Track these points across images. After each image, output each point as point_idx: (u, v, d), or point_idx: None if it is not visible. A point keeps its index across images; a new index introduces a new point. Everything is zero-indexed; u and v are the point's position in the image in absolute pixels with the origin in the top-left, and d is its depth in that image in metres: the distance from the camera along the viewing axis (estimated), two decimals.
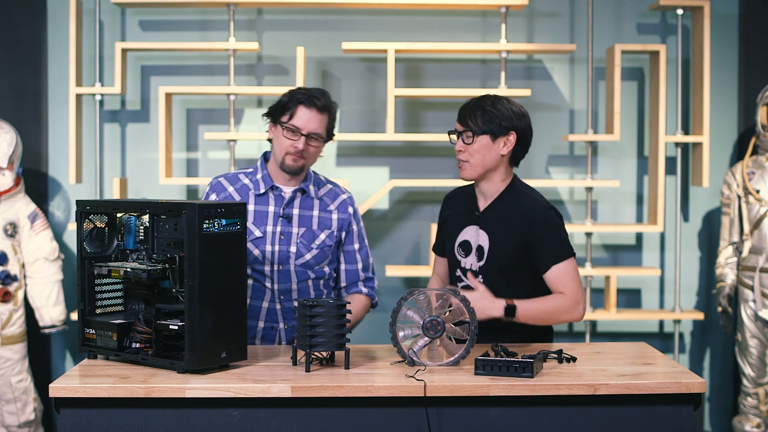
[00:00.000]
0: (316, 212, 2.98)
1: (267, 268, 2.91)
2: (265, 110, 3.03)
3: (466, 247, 2.93)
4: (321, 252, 2.97)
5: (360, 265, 3.07)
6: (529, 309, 2.77)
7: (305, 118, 2.88)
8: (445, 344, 2.55)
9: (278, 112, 2.90)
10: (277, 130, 2.91)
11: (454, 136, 2.90)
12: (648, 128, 4.77)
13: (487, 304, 2.73)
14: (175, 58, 4.74)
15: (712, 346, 4.89)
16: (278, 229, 2.93)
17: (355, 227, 3.06)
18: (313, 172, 3.04)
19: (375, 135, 4.55)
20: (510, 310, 2.74)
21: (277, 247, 2.91)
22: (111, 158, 4.73)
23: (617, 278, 4.67)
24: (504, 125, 2.83)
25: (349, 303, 2.57)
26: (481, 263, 2.88)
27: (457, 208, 3.02)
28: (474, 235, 2.91)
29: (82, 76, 4.55)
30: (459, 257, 2.95)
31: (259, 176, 2.97)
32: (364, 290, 3.08)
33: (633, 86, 4.82)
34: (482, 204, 2.93)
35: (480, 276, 2.88)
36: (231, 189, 2.98)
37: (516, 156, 2.90)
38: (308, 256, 2.95)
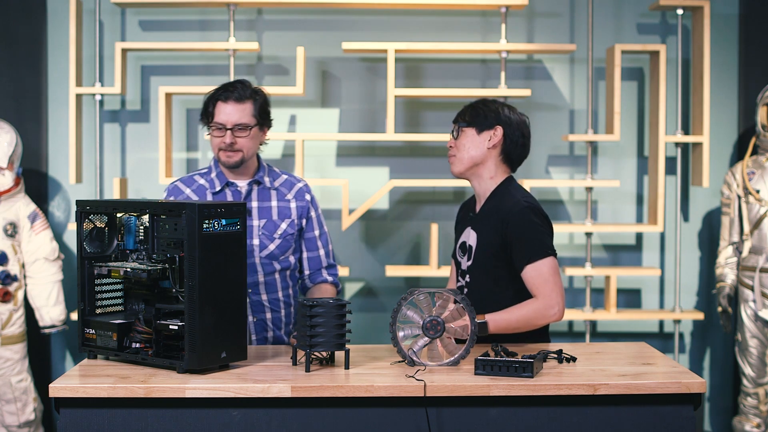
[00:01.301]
0: (274, 203, 3.01)
1: None
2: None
3: (463, 247, 2.97)
4: (284, 241, 2.99)
5: (322, 252, 3.11)
6: (501, 321, 2.74)
7: (225, 112, 2.90)
8: (445, 344, 2.55)
9: (204, 116, 2.95)
10: (210, 131, 2.95)
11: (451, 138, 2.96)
12: (648, 128, 4.77)
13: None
14: (175, 58, 4.74)
15: (712, 346, 4.89)
16: None
17: (313, 213, 3.09)
18: (267, 164, 3.07)
19: (375, 135, 4.55)
20: (482, 327, 2.72)
21: None
22: (111, 158, 4.73)
23: (617, 278, 4.67)
24: (490, 118, 2.88)
25: (349, 303, 2.57)
26: (470, 263, 2.91)
27: (464, 214, 3.07)
28: (469, 236, 2.94)
29: (82, 76, 4.55)
30: (459, 259, 2.98)
31: (213, 175, 3.01)
32: (329, 278, 3.12)
33: (633, 86, 4.82)
34: (478, 206, 2.97)
35: (468, 276, 2.90)
36: (188, 191, 3.01)
37: (509, 155, 2.91)
38: (272, 247, 2.97)
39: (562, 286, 2.79)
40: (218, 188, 2.98)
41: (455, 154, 2.91)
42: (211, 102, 2.93)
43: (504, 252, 2.82)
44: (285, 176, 3.09)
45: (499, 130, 2.88)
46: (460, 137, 2.90)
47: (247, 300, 2.94)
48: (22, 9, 4.66)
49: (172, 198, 2.99)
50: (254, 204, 2.99)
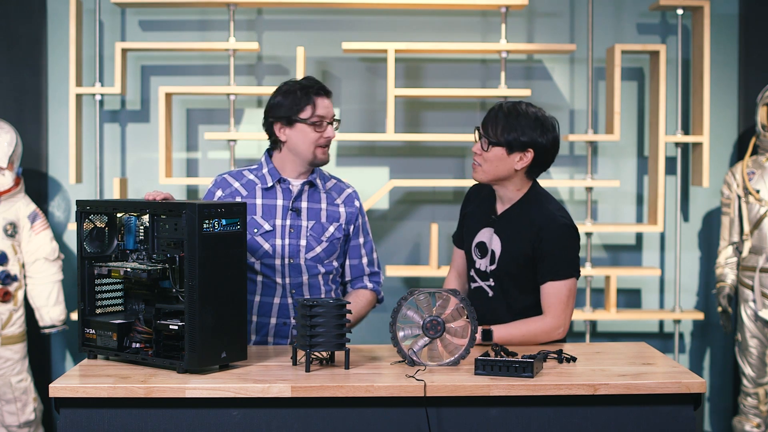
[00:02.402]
0: (324, 205, 2.98)
1: (278, 262, 2.90)
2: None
3: (482, 248, 2.91)
4: (330, 245, 2.96)
5: (365, 260, 3.07)
6: (505, 334, 2.76)
7: (325, 105, 2.88)
8: (445, 344, 2.55)
9: (293, 110, 2.87)
10: (296, 128, 2.88)
11: (476, 135, 2.84)
12: (648, 128, 4.77)
13: None
14: (175, 58, 4.74)
15: (712, 346, 4.89)
16: (287, 222, 2.92)
17: (360, 221, 3.06)
18: (319, 167, 3.04)
19: (375, 135, 4.55)
20: (486, 334, 2.75)
21: (287, 241, 2.91)
22: (111, 158, 4.73)
23: (617, 278, 4.67)
24: (522, 141, 2.75)
25: (350, 303, 2.57)
26: (493, 267, 2.87)
27: (477, 206, 2.97)
28: (489, 237, 2.89)
29: (82, 76, 4.55)
30: (475, 257, 2.93)
31: (265, 171, 2.95)
32: (369, 285, 3.07)
33: (633, 86, 4.82)
34: (500, 208, 2.90)
35: (491, 279, 2.88)
36: (237, 184, 2.96)
37: (532, 171, 2.84)
38: (318, 249, 2.94)
39: (572, 309, 2.81)
40: (270, 184, 2.92)
41: (481, 164, 2.80)
42: (307, 97, 2.86)
43: (531, 262, 2.81)
44: (334, 180, 3.05)
45: (530, 154, 2.77)
46: (489, 152, 2.78)
47: (290, 301, 2.93)
48: (22, 9, 4.66)
49: (219, 190, 2.95)
50: (304, 204, 2.94)
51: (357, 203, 3.05)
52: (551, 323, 2.78)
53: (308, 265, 2.93)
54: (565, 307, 2.78)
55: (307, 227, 2.93)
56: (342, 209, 3.00)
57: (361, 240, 3.06)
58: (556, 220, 2.79)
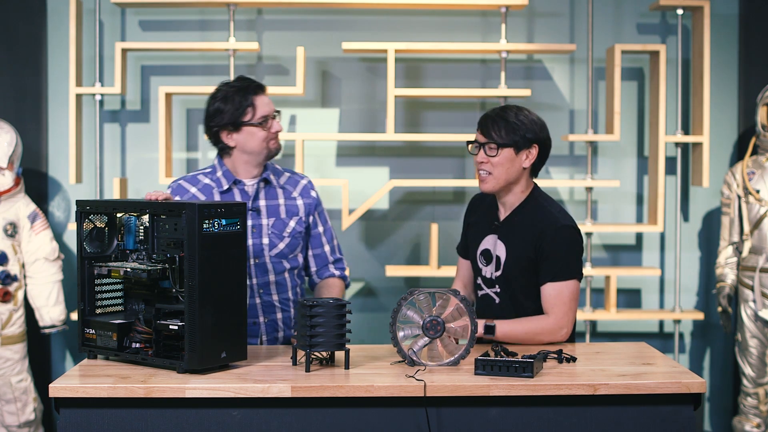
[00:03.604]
0: (282, 201, 3.00)
1: None
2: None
3: (487, 255, 2.92)
4: (293, 239, 2.99)
5: (327, 248, 3.09)
6: (508, 330, 2.77)
7: (265, 102, 2.91)
8: (445, 344, 2.55)
9: (235, 115, 2.88)
10: (242, 131, 2.89)
11: (474, 147, 2.86)
12: (648, 128, 4.77)
13: None
14: (175, 58, 4.74)
15: (712, 346, 4.89)
16: (249, 222, 2.93)
17: (318, 210, 3.08)
18: (270, 163, 3.05)
19: (375, 135, 4.55)
20: (489, 328, 2.76)
21: (250, 241, 2.93)
22: (111, 158, 4.73)
23: (617, 278, 4.67)
24: (528, 137, 2.80)
25: (349, 303, 2.57)
26: (498, 273, 2.88)
27: (481, 214, 3.00)
28: (493, 244, 2.90)
29: (82, 76, 4.55)
30: (480, 265, 2.95)
31: (219, 174, 2.97)
32: (336, 273, 3.11)
33: (633, 86, 4.82)
34: (502, 214, 2.91)
35: (497, 285, 2.88)
36: (194, 189, 2.98)
37: (535, 168, 2.88)
38: (281, 245, 2.96)
39: (575, 311, 2.81)
40: (226, 187, 2.95)
41: (491, 171, 2.82)
42: (245, 100, 2.88)
43: (535, 265, 2.82)
44: (288, 174, 3.08)
45: (535, 149, 2.82)
46: (498, 156, 2.80)
47: (259, 301, 2.95)
48: (22, 9, 4.66)
49: (177, 197, 2.97)
50: (262, 203, 2.97)
51: (314, 193, 3.07)
52: (553, 323, 2.78)
53: (273, 262, 2.96)
54: (568, 309, 2.78)
55: (268, 225, 2.96)
56: (300, 201, 3.02)
57: (321, 229, 3.08)
58: (557, 221, 2.80)
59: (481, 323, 2.76)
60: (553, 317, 2.78)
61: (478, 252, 2.95)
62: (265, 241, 2.95)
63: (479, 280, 2.96)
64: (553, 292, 2.78)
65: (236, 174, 2.97)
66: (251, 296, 2.95)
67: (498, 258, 2.87)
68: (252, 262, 2.93)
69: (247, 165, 2.95)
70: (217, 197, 2.95)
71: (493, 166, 2.81)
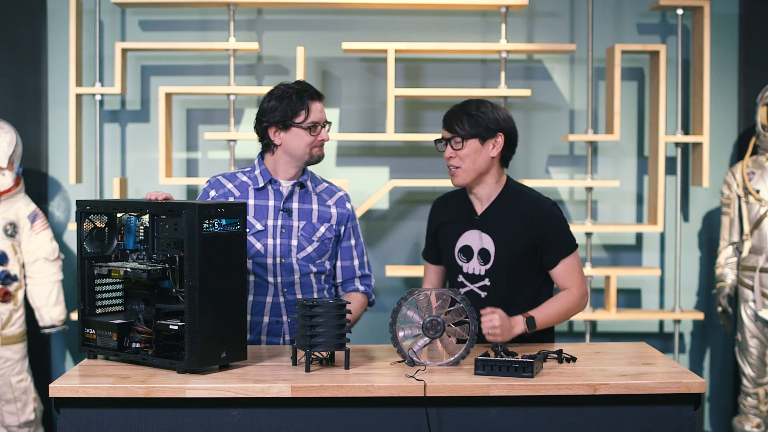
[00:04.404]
0: (315, 206, 3.01)
1: (269, 261, 2.93)
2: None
3: (467, 252, 2.93)
4: (322, 245, 2.99)
5: (356, 262, 3.09)
6: (544, 315, 2.83)
7: (319, 109, 2.94)
8: (445, 344, 2.55)
9: (288, 115, 2.91)
10: (291, 131, 2.92)
11: (441, 144, 2.93)
12: (648, 128, 4.77)
13: (508, 324, 2.75)
14: (175, 58, 4.74)
15: (712, 346, 4.89)
16: (279, 222, 2.95)
17: (352, 223, 3.09)
18: (310, 170, 3.06)
19: (375, 135, 4.55)
20: (530, 322, 2.79)
21: (278, 240, 2.93)
22: (111, 158, 4.73)
23: (617, 278, 4.67)
24: (491, 127, 2.86)
25: (349, 303, 2.57)
26: (488, 266, 2.89)
27: (452, 214, 3.02)
28: (475, 239, 2.91)
29: (82, 76, 4.55)
30: (460, 262, 2.96)
31: (257, 172, 3.00)
32: (361, 288, 3.10)
33: (633, 86, 4.82)
34: (479, 207, 2.94)
35: (486, 279, 2.89)
36: (230, 186, 3.00)
37: (505, 157, 2.93)
38: (309, 249, 2.97)
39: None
40: (261, 185, 2.96)
41: (459, 165, 2.88)
42: (302, 102, 2.91)
43: (533, 251, 2.88)
44: (326, 184, 3.09)
45: (500, 138, 2.88)
46: (464, 148, 2.87)
47: (282, 300, 2.95)
48: (22, 9, 4.66)
49: (213, 190, 2.98)
50: (295, 205, 2.98)
51: (348, 205, 3.08)
52: (578, 294, 2.89)
53: (300, 264, 2.96)
54: (582, 277, 2.92)
55: (299, 227, 2.96)
56: (333, 210, 3.03)
57: (353, 242, 3.09)
58: (544, 204, 2.91)
59: (520, 320, 2.78)
60: (575, 289, 2.89)
61: (456, 250, 2.96)
62: (294, 242, 2.95)
63: (461, 278, 2.96)
64: (567, 267, 2.89)
65: (274, 174, 2.98)
66: (275, 295, 2.95)
67: (485, 251, 2.90)
68: (278, 261, 2.93)
69: (287, 166, 2.96)
70: (251, 194, 2.96)
71: (461, 159, 2.87)
